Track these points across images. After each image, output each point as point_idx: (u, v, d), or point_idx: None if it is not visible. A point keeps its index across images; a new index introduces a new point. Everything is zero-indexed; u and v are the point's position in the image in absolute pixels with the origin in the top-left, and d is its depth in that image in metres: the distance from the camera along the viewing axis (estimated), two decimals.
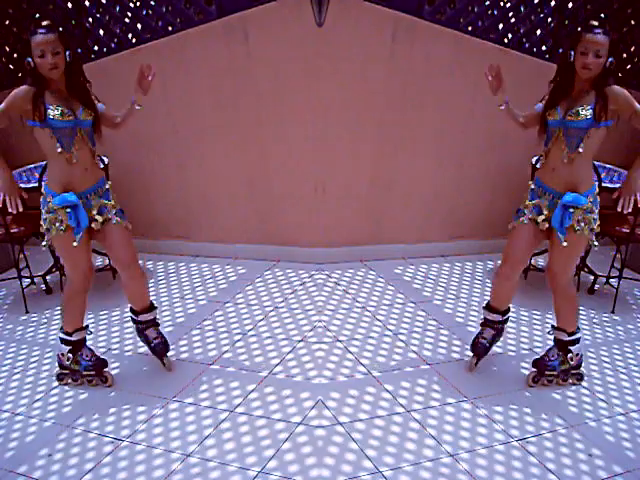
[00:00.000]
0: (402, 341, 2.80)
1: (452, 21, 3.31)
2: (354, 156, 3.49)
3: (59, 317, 3.09)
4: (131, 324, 2.98)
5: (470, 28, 3.34)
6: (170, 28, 3.34)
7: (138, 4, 3.37)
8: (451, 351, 2.72)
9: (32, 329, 2.98)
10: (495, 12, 3.38)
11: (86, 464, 2.01)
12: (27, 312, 3.13)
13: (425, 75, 3.35)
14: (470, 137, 3.56)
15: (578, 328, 2.43)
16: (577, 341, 2.43)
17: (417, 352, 2.71)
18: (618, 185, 3.07)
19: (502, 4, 3.38)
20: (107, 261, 3.45)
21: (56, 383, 2.49)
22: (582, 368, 2.50)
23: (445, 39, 3.29)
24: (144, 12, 3.37)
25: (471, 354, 2.57)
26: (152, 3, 3.35)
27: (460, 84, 3.39)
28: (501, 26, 3.41)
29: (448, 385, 2.45)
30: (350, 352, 2.69)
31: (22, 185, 3.09)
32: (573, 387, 2.46)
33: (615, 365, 2.64)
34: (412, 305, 3.17)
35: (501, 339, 2.58)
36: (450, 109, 3.46)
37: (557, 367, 2.43)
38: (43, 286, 3.36)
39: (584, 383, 2.49)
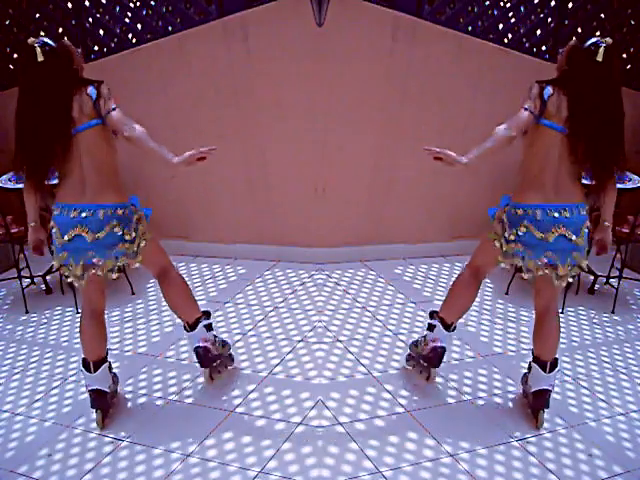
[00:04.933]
0: (402, 341, 2.80)
1: (452, 21, 3.31)
2: (354, 156, 3.49)
3: (58, 317, 3.10)
4: (131, 324, 3.00)
5: (470, 28, 3.34)
6: (170, 28, 3.34)
7: (138, 4, 3.38)
8: (451, 351, 2.72)
9: (32, 329, 2.97)
10: (495, 12, 3.38)
11: (86, 464, 2.01)
12: (27, 312, 3.13)
13: (425, 75, 3.35)
14: (470, 136, 3.54)
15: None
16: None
17: None
18: (619, 185, 3.06)
19: (502, 4, 3.38)
20: None
21: (56, 383, 2.49)
22: (435, 370, 2.42)
23: (445, 39, 3.29)
24: (144, 12, 3.38)
25: (471, 354, 2.57)
26: (152, 3, 3.36)
27: (460, 84, 3.39)
28: (501, 26, 3.42)
29: (448, 385, 2.45)
30: (350, 352, 2.69)
31: (21, 185, 3.09)
32: (573, 387, 2.47)
33: (615, 365, 2.64)
34: (412, 305, 3.17)
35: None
36: (450, 109, 3.46)
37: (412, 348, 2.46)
38: (43, 286, 3.36)
39: (584, 383, 2.49)
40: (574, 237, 2.01)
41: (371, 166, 3.56)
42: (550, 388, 2.19)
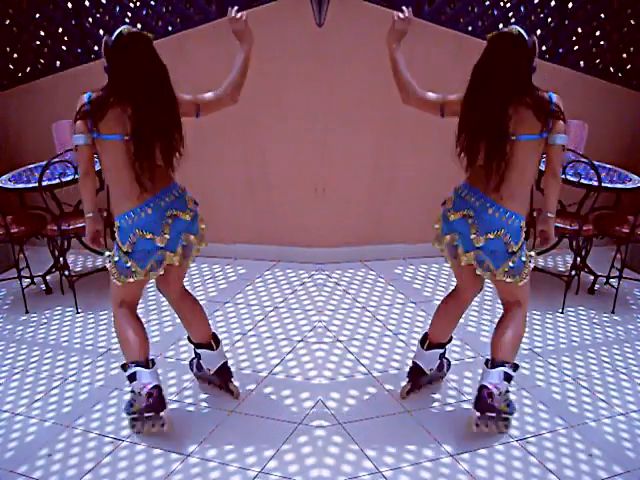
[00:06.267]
0: (402, 341, 2.80)
1: (452, 21, 3.31)
2: (354, 156, 3.49)
3: (58, 317, 3.10)
4: None
5: (470, 28, 3.34)
6: (170, 28, 3.34)
7: (138, 4, 3.38)
8: (451, 351, 2.71)
9: (32, 329, 2.97)
10: (495, 12, 3.38)
11: (86, 464, 2.01)
12: (27, 312, 3.13)
13: (425, 75, 3.34)
14: None
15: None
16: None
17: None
18: (619, 185, 3.07)
19: (502, 4, 3.38)
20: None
21: (56, 383, 2.49)
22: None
23: (446, 39, 3.29)
24: (144, 12, 3.38)
25: (471, 354, 2.55)
26: (152, 3, 3.36)
27: (461, 84, 3.38)
28: (501, 26, 3.41)
29: (448, 385, 2.45)
30: (350, 352, 2.69)
31: (21, 185, 3.10)
32: (573, 387, 2.46)
33: (615, 365, 2.64)
34: (412, 305, 3.17)
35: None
36: None
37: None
38: (43, 286, 3.36)
39: (584, 383, 2.49)
40: (477, 234, 1.92)
41: (371, 166, 3.56)
42: (489, 386, 1.97)
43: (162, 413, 2.02)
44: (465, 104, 1.98)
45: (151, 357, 2.09)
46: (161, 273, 2.05)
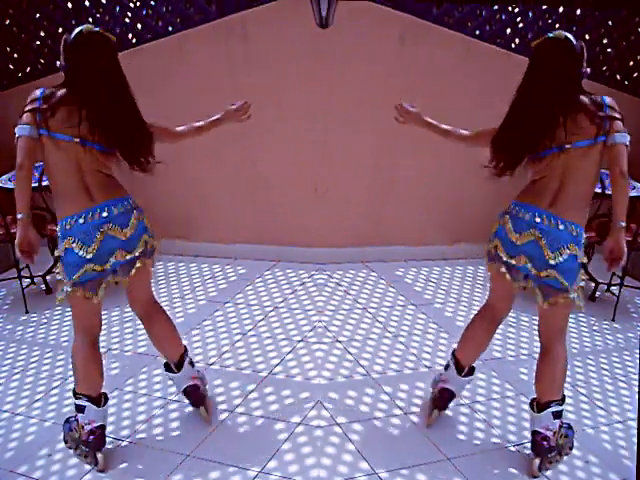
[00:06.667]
0: (402, 343, 2.81)
1: (459, 24, 3.30)
2: (355, 157, 3.49)
3: (58, 317, 3.10)
4: (131, 324, 3.00)
5: (477, 32, 3.32)
6: (170, 28, 3.34)
7: (138, 4, 3.37)
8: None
9: (32, 329, 2.98)
10: (503, 17, 3.36)
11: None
12: (27, 312, 3.13)
13: (434, 78, 3.34)
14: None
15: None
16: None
17: (417, 355, 2.71)
18: None
19: (510, 9, 3.36)
20: None
21: (56, 383, 2.49)
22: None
23: (452, 42, 3.27)
24: (144, 12, 3.37)
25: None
26: (152, 3, 3.35)
27: (466, 87, 3.37)
28: (509, 31, 3.39)
29: None
30: (350, 353, 2.69)
31: None
32: (571, 394, 2.45)
33: (614, 373, 2.63)
34: (413, 307, 3.17)
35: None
36: (455, 111, 3.43)
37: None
38: (43, 286, 3.36)
39: (582, 390, 2.48)
40: (549, 251, 1.83)
41: (371, 166, 3.56)
42: (541, 431, 1.93)
43: (99, 454, 1.97)
44: (511, 115, 1.87)
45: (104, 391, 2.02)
46: (99, 294, 1.95)
